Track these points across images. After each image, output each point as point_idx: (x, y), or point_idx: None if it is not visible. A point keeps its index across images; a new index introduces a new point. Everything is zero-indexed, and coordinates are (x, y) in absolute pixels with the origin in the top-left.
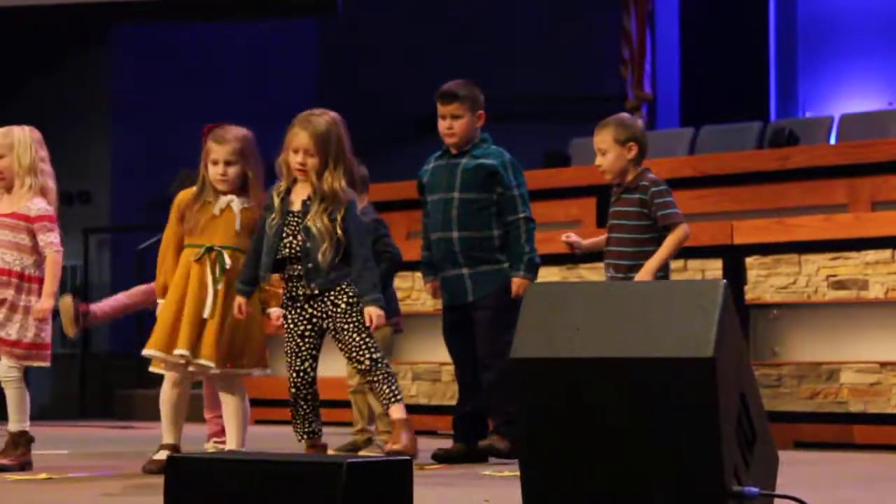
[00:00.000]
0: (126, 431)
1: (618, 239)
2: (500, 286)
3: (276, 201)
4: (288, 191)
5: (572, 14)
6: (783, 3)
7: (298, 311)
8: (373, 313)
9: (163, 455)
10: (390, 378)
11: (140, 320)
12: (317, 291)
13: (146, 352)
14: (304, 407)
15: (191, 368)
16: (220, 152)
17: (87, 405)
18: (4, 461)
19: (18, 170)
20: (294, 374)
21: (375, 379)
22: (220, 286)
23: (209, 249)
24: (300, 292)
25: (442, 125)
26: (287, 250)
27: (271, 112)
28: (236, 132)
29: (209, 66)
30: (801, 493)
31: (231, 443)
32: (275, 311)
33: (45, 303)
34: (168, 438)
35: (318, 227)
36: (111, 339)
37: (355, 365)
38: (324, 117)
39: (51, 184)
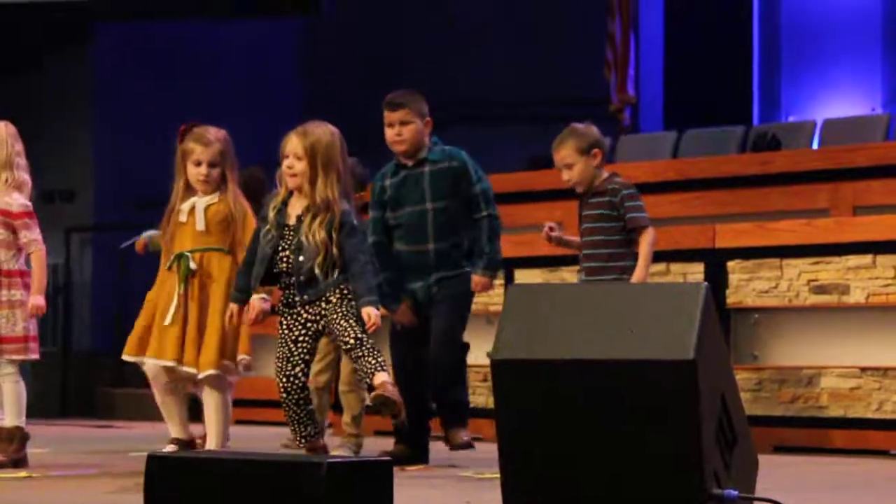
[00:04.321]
0: (107, 430)
1: (591, 242)
2: (460, 288)
3: (272, 214)
4: (285, 203)
5: (556, 17)
6: (767, 9)
7: (294, 316)
8: (370, 313)
9: (170, 448)
10: (374, 351)
11: (121, 319)
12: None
13: (125, 356)
14: (297, 411)
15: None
16: (204, 154)
17: (69, 404)
18: None
19: None
20: (284, 379)
21: (360, 354)
22: (182, 289)
23: (178, 257)
24: (296, 299)
25: (390, 133)
26: (284, 264)
27: (255, 110)
28: (217, 133)
29: (193, 64)
30: (780, 497)
31: (210, 442)
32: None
33: (38, 300)
34: (173, 433)
35: (314, 240)
36: (92, 337)
37: (343, 347)
38: (319, 127)
39: (26, 178)
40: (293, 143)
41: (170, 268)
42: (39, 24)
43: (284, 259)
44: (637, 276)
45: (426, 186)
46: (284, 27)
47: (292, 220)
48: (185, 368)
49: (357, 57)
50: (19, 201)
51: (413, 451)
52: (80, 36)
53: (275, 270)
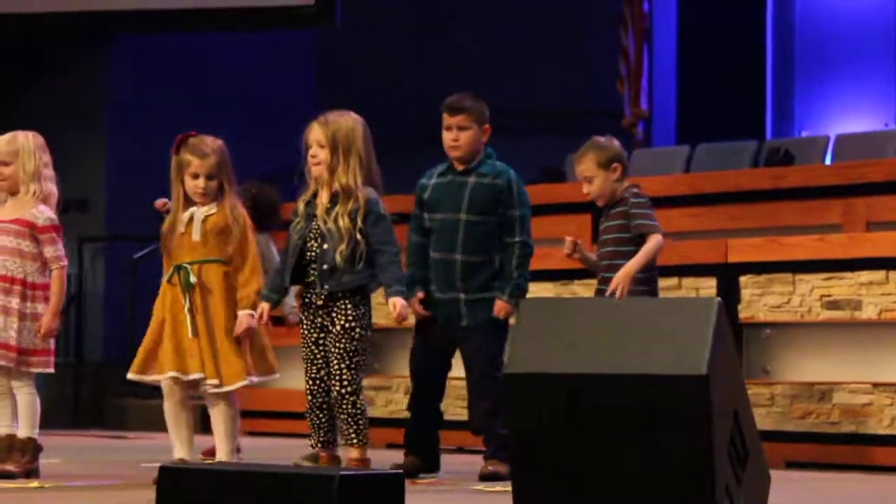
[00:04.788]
0: (119, 441)
1: (609, 253)
2: (492, 318)
3: (301, 207)
4: (315, 195)
5: (570, 29)
6: (780, 23)
7: (312, 318)
8: (396, 303)
9: None
10: (351, 419)
11: (133, 330)
12: (327, 293)
13: (130, 375)
14: (319, 415)
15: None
16: (201, 167)
17: (80, 414)
18: (10, 467)
19: (23, 176)
20: (310, 382)
21: (339, 415)
22: (187, 303)
23: (178, 269)
24: (314, 300)
25: (447, 137)
26: (311, 253)
27: (267, 122)
28: (213, 144)
29: (206, 75)
30: None
31: (221, 454)
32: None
33: (52, 322)
34: (177, 452)
35: (337, 227)
36: (105, 348)
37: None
38: (341, 115)
39: (54, 189)
40: (315, 132)
41: (169, 280)
42: (54, 35)
43: (311, 249)
44: (627, 266)
45: (465, 196)
46: (298, 37)
47: (320, 211)
48: (209, 381)
49: (371, 68)
50: (46, 214)
51: (424, 463)
52: (96, 47)
53: (303, 262)
